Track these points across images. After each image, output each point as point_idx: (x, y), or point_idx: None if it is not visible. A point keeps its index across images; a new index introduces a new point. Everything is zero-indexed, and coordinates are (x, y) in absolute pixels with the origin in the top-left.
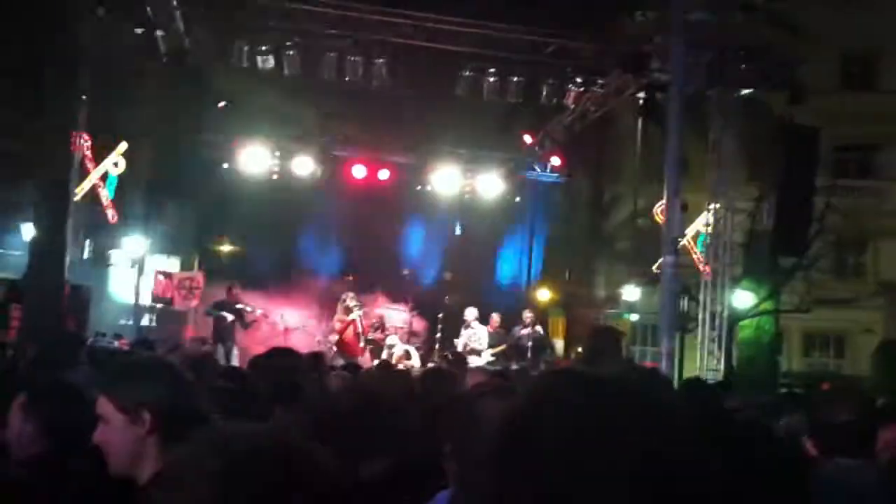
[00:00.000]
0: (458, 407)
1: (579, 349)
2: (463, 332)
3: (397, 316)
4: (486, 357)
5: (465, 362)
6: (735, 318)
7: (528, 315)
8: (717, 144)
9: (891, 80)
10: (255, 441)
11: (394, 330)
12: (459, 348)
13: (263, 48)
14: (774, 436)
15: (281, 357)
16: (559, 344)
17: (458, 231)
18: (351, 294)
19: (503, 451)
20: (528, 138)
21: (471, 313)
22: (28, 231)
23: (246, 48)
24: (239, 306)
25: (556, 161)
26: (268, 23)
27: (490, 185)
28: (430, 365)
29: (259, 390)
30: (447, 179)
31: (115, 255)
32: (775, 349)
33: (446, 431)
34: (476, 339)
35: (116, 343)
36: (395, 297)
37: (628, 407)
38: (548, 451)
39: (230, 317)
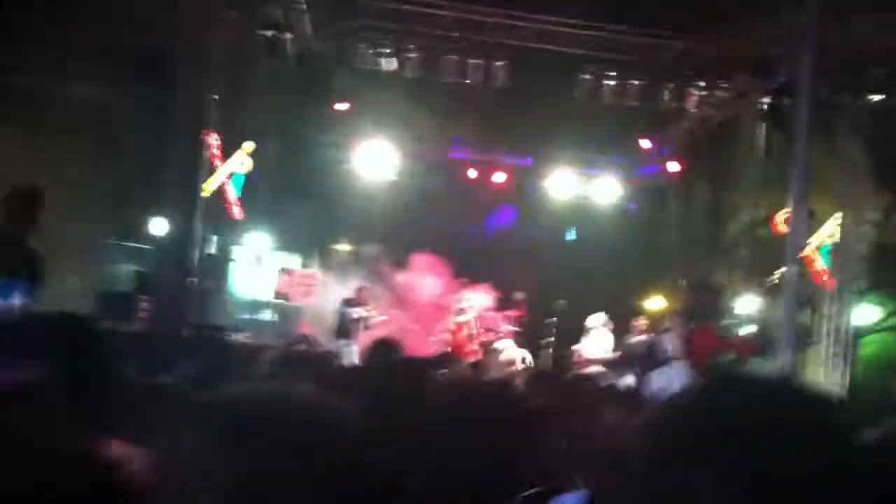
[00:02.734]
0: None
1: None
2: (587, 338)
3: (508, 319)
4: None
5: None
6: (859, 333)
7: (641, 323)
8: (844, 152)
9: None
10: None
11: (507, 333)
12: (584, 356)
13: (385, 50)
14: None
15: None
16: None
17: (572, 236)
18: (466, 295)
19: (665, 453)
20: (646, 143)
21: (596, 319)
22: (157, 225)
23: (369, 50)
24: (365, 308)
25: (674, 167)
26: (389, 25)
27: (606, 189)
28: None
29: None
30: (563, 183)
31: (237, 251)
32: None
33: (568, 437)
34: (601, 346)
35: (237, 336)
36: (508, 301)
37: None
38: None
39: (357, 315)
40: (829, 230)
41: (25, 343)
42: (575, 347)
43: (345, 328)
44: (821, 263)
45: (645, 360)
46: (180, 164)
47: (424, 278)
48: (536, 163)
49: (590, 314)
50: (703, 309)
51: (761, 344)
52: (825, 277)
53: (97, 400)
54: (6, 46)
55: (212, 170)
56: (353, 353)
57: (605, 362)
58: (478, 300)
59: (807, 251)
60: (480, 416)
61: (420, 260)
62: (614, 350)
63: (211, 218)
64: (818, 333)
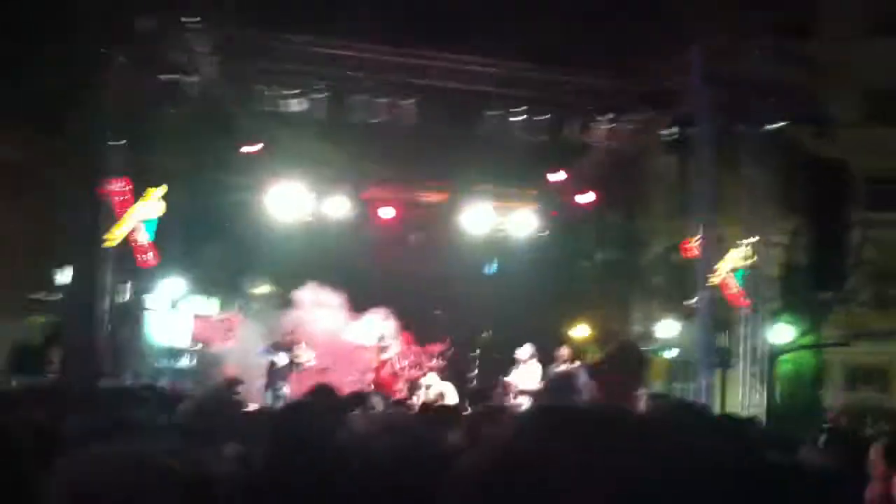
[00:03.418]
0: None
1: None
2: (515, 369)
3: (432, 354)
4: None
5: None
6: (775, 352)
7: (564, 352)
8: (748, 179)
9: None
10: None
11: (430, 368)
12: (516, 388)
13: (291, 92)
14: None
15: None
16: None
17: (493, 269)
18: (386, 333)
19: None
20: (558, 175)
21: (525, 351)
22: (64, 276)
23: (275, 92)
24: (294, 351)
25: (588, 198)
26: (295, 67)
27: (522, 222)
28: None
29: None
30: (478, 218)
31: (151, 298)
32: (817, 384)
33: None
34: (531, 378)
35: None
36: (430, 336)
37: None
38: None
39: (284, 360)
40: (741, 254)
41: None
42: (505, 379)
43: (275, 375)
44: (736, 286)
45: (562, 392)
46: (86, 214)
47: (342, 317)
48: (451, 198)
49: (513, 346)
50: (623, 368)
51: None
52: (741, 300)
53: None
54: None
55: (119, 217)
56: (281, 398)
57: (531, 393)
58: (398, 337)
59: (720, 275)
60: (392, 456)
61: (337, 299)
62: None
63: (123, 265)
64: (735, 354)
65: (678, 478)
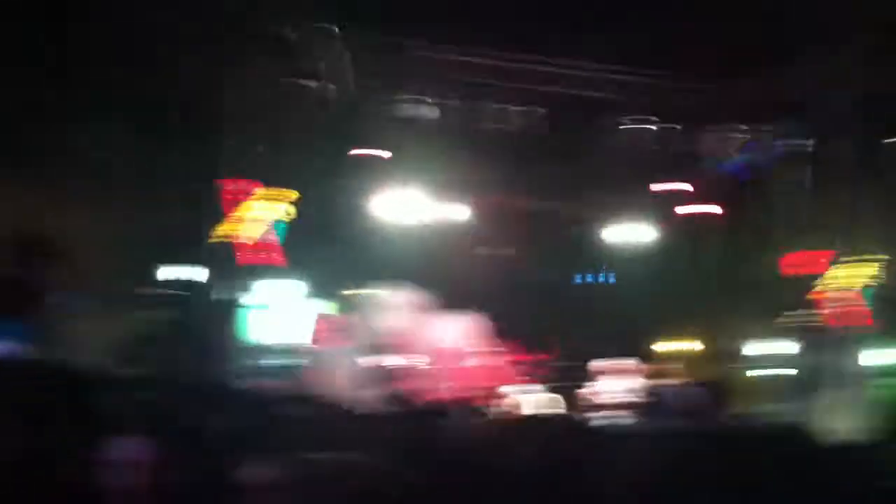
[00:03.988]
0: None
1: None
2: (600, 380)
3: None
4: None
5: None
6: (880, 375)
7: (665, 367)
8: (878, 193)
9: None
10: None
11: (535, 378)
12: (601, 399)
13: (427, 99)
14: None
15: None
16: None
17: (610, 279)
18: (495, 340)
19: None
20: (669, 185)
21: (612, 364)
22: (176, 272)
23: (410, 99)
24: (400, 356)
25: (700, 208)
26: (428, 74)
27: (638, 231)
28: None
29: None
30: (595, 226)
31: (269, 297)
32: None
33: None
34: (614, 387)
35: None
36: (541, 345)
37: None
38: None
39: (394, 362)
40: (871, 272)
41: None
42: (592, 389)
43: (385, 376)
44: (861, 304)
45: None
46: (202, 211)
47: (455, 323)
48: (573, 207)
49: (623, 356)
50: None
51: None
52: (866, 318)
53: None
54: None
55: (231, 215)
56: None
57: (630, 406)
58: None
59: (850, 293)
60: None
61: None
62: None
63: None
64: (848, 375)
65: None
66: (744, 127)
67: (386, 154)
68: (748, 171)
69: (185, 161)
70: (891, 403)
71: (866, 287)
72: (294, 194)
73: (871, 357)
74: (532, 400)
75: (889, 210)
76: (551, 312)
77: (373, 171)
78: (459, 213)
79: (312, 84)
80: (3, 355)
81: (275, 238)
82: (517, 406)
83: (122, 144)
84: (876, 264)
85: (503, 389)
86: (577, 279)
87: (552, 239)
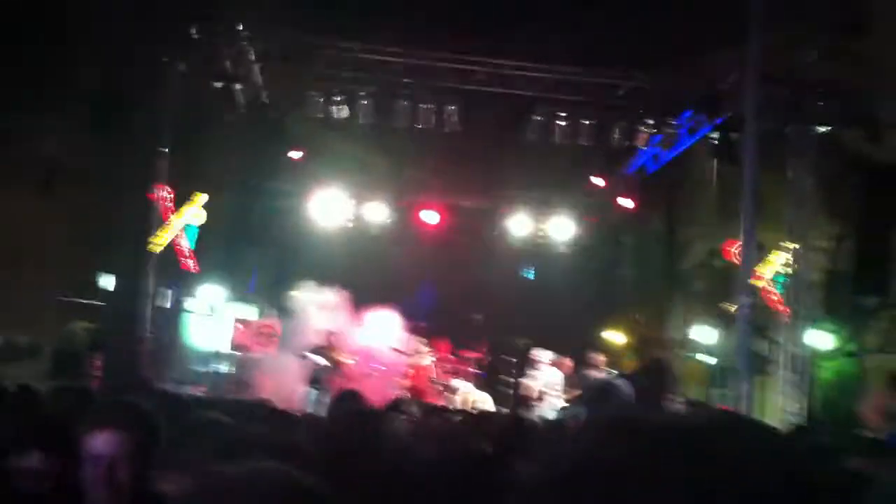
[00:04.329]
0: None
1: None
2: (534, 373)
3: (469, 360)
4: (560, 402)
5: (527, 406)
6: (815, 359)
7: (599, 358)
8: (793, 183)
9: None
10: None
11: (467, 375)
12: (528, 392)
13: (337, 98)
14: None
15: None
16: None
17: (530, 275)
18: (422, 339)
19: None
20: (599, 181)
21: (544, 355)
22: (106, 281)
23: (321, 98)
24: (333, 354)
25: (629, 203)
26: (340, 73)
27: (562, 228)
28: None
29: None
30: (518, 224)
31: (192, 303)
32: (857, 392)
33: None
34: (549, 382)
35: (193, 390)
36: (469, 343)
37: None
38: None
39: (324, 362)
40: (782, 259)
41: None
42: (523, 381)
43: (316, 377)
44: (776, 292)
45: (595, 402)
46: (132, 219)
47: (382, 323)
48: (492, 205)
49: (552, 351)
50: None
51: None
52: (780, 306)
53: None
54: None
55: (163, 223)
56: (323, 403)
57: (566, 399)
58: (436, 343)
59: (761, 281)
60: (433, 460)
61: (376, 304)
62: (573, 387)
63: (165, 271)
64: (774, 362)
65: (749, 488)
66: (653, 121)
67: (299, 154)
68: (660, 163)
69: (100, 164)
70: (830, 387)
71: (777, 274)
72: (204, 197)
73: (814, 340)
74: (463, 397)
75: (793, 200)
76: (481, 309)
77: (296, 174)
78: (380, 213)
79: (219, 85)
80: None
81: (187, 243)
82: (466, 402)
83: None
84: (785, 252)
85: (453, 384)
86: (525, 275)
87: (476, 237)
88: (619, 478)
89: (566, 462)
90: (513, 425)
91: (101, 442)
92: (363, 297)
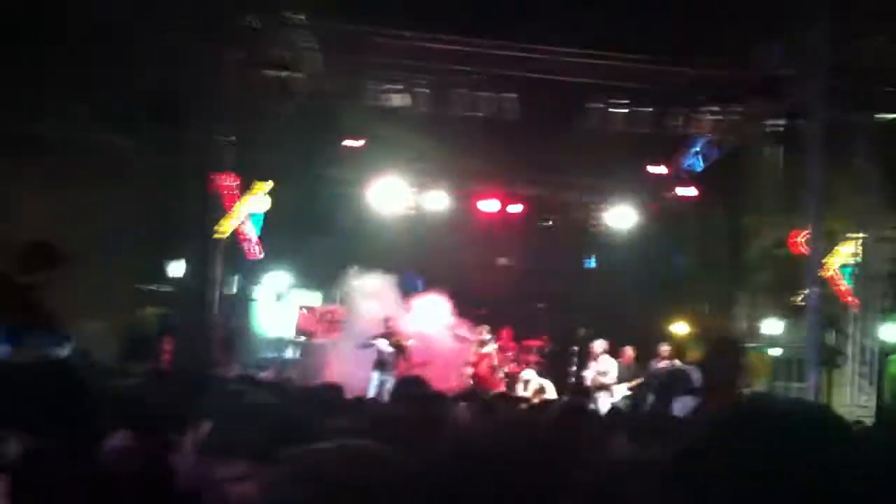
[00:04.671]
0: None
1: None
2: (591, 365)
3: (531, 349)
4: (623, 391)
5: (588, 396)
6: (885, 351)
7: (664, 348)
8: (861, 171)
9: None
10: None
11: (529, 363)
12: (588, 382)
13: (395, 86)
14: None
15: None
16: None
17: (591, 264)
18: (485, 327)
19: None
20: (661, 168)
21: (599, 346)
22: (176, 268)
23: (378, 87)
24: (396, 339)
25: (690, 191)
26: (398, 61)
27: (621, 216)
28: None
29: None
30: (577, 212)
31: (258, 290)
32: None
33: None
34: (604, 373)
35: (262, 374)
36: (530, 331)
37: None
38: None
39: (387, 348)
40: (850, 250)
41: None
42: (583, 373)
43: (381, 360)
44: (844, 283)
45: (666, 388)
46: (197, 207)
47: (443, 309)
48: (551, 193)
49: (614, 341)
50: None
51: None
52: (849, 297)
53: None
54: (26, 96)
55: (227, 211)
56: (387, 388)
57: (629, 388)
58: (499, 332)
59: (829, 271)
60: (495, 446)
61: (438, 291)
62: (635, 377)
63: (232, 259)
64: (843, 354)
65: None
66: (717, 108)
67: (359, 143)
68: (720, 152)
69: (165, 155)
70: None
71: (844, 266)
72: (268, 185)
73: (885, 333)
74: (526, 385)
75: (861, 188)
76: (543, 298)
77: (354, 162)
78: (440, 201)
79: (281, 74)
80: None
81: (253, 230)
82: (540, 391)
83: (116, 144)
84: (853, 242)
85: (523, 375)
86: (586, 265)
87: (538, 225)
88: (734, 462)
89: (686, 447)
90: (573, 413)
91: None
92: (424, 283)
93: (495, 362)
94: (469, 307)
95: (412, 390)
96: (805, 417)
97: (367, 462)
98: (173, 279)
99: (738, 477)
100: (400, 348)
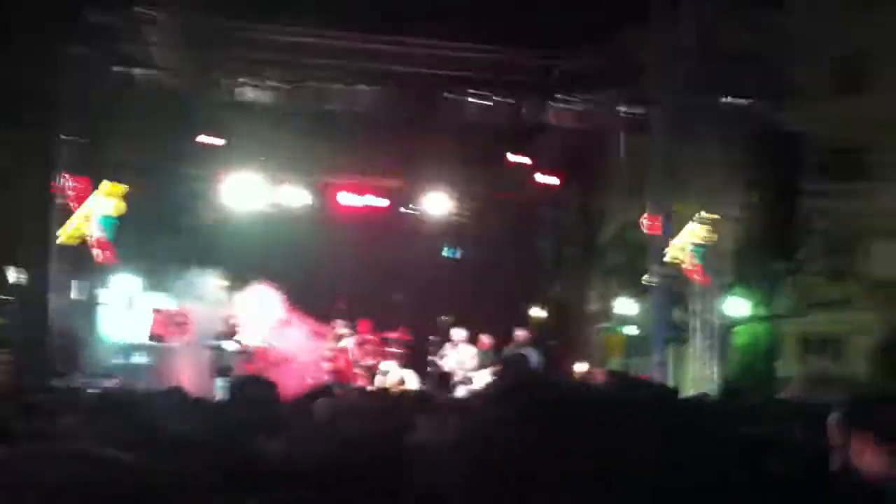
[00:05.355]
0: None
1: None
2: (450, 353)
3: (391, 341)
4: (485, 377)
5: (448, 383)
6: (729, 325)
7: (519, 333)
8: (707, 153)
9: (882, 82)
10: None
11: (389, 355)
12: (447, 369)
13: (247, 80)
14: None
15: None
16: None
17: (455, 254)
18: (342, 321)
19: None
20: (515, 157)
21: (457, 334)
22: (12, 275)
23: (230, 81)
24: (238, 338)
25: (552, 179)
26: (249, 55)
27: (479, 206)
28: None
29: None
30: (436, 202)
31: (107, 294)
32: (772, 355)
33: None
34: (463, 360)
35: (107, 383)
36: (388, 323)
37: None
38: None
39: (230, 348)
40: (697, 229)
41: None
42: (437, 361)
43: (223, 364)
44: (692, 261)
45: (507, 372)
46: (36, 211)
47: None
48: (410, 184)
49: (476, 329)
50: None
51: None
52: (699, 276)
53: None
54: None
55: (69, 214)
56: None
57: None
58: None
59: (675, 251)
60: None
61: (295, 288)
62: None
63: (77, 262)
64: (690, 329)
65: (654, 456)
66: (580, 97)
67: (215, 140)
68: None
69: (18, 157)
70: (744, 351)
71: (697, 245)
72: (122, 188)
73: (729, 307)
74: (386, 378)
75: (711, 170)
76: (403, 289)
77: (208, 159)
78: (297, 195)
79: (140, 71)
80: None
81: (104, 234)
82: (401, 381)
83: None
84: (702, 222)
85: (382, 367)
86: (430, 256)
87: (395, 217)
88: (519, 446)
89: (469, 433)
90: (419, 402)
91: None
92: (282, 280)
93: (353, 356)
94: (326, 301)
95: (249, 391)
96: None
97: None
98: (14, 287)
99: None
100: (244, 350)
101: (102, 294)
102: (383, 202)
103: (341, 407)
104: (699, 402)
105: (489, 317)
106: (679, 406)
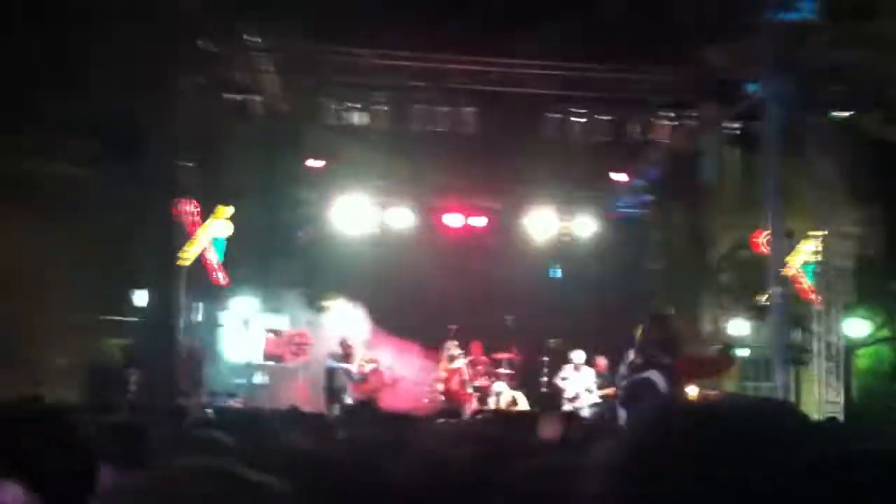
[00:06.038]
0: None
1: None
2: (571, 374)
3: (502, 362)
4: (594, 399)
5: (558, 404)
6: (851, 347)
7: (633, 355)
8: (815, 169)
9: None
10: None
11: (500, 376)
12: (568, 393)
13: (353, 105)
14: None
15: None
16: None
17: (557, 274)
18: (454, 342)
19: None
20: (620, 176)
21: (578, 356)
22: (139, 298)
23: (336, 105)
24: (353, 359)
25: (651, 197)
26: (354, 79)
27: (585, 225)
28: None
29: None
30: (541, 222)
31: (224, 315)
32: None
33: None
34: (586, 382)
35: (231, 402)
36: (499, 344)
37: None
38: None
39: (346, 369)
40: (811, 248)
41: None
42: (557, 383)
43: (339, 385)
44: (806, 281)
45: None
46: (159, 235)
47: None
48: (514, 205)
49: (583, 349)
50: (665, 339)
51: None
52: (812, 295)
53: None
54: None
55: (190, 237)
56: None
57: (600, 396)
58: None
59: (790, 270)
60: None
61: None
62: (608, 385)
63: (197, 285)
64: (810, 352)
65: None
66: (673, 113)
67: (319, 163)
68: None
69: (125, 183)
70: (867, 374)
71: (806, 263)
72: (230, 210)
73: (849, 328)
74: (498, 398)
75: (818, 186)
76: (511, 310)
77: (317, 182)
78: (404, 218)
79: (239, 97)
80: None
81: (216, 256)
82: (513, 402)
83: (74, 174)
84: (814, 240)
85: (495, 388)
86: (551, 275)
87: (500, 238)
88: (670, 463)
89: (620, 452)
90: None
91: None
92: (390, 303)
93: (466, 377)
94: (436, 323)
95: (361, 415)
96: (766, 415)
97: (223, 482)
98: (137, 309)
99: (688, 477)
100: (360, 371)
101: (222, 315)
102: (488, 222)
103: (475, 429)
104: (832, 427)
105: (598, 338)
106: (822, 433)
